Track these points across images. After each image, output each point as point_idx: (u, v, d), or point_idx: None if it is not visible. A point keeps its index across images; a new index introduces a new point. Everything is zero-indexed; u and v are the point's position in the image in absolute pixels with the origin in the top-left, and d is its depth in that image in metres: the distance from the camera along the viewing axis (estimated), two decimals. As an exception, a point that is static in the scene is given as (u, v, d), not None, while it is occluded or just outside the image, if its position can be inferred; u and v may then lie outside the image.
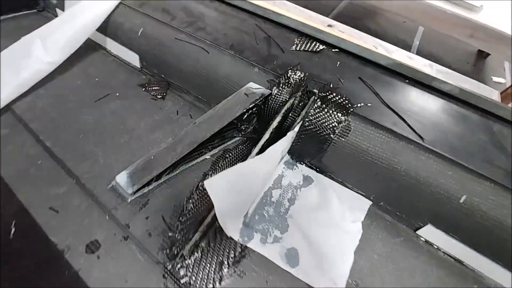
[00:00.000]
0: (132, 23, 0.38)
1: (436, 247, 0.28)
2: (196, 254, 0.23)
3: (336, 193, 0.29)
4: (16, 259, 0.22)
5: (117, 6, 0.38)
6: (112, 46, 0.41)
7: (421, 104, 0.28)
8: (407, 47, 2.25)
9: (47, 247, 0.23)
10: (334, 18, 1.71)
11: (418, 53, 1.97)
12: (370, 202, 0.29)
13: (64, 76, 0.36)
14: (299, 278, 0.23)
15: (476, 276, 0.26)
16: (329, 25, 0.96)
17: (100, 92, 0.35)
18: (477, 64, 2.34)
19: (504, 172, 0.25)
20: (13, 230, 0.23)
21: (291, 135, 0.26)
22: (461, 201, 0.25)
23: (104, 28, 0.39)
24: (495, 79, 2.10)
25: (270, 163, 0.26)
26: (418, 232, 0.28)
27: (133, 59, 0.39)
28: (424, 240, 0.28)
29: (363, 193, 0.30)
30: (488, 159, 0.25)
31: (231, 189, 0.22)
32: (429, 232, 0.28)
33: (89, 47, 0.40)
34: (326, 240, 0.26)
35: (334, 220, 0.27)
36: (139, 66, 0.40)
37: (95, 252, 0.22)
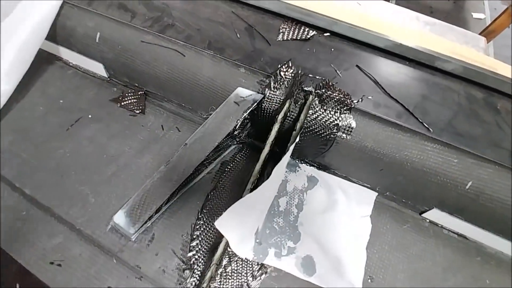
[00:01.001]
0: (86, 26, 0.32)
1: (440, 225, 0.29)
2: (215, 283, 0.23)
3: (342, 190, 0.29)
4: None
5: (61, 7, 0.32)
6: (69, 55, 0.35)
7: (424, 90, 0.26)
8: None
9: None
10: None
11: None
12: (376, 194, 0.29)
13: (22, 104, 0.31)
14: (318, 285, 0.24)
15: (478, 247, 0.28)
16: None
17: (69, 117, 0.30)
18: (457, 1, 2.27)
19: (508, 152, 0.24)
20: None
21: (292, 148, 0.25)
22: (467, 187, 0.25)
23: (54, 35, 0.33)
24: (475, 15, 2.05)
25: (277, 182, 0.24)
26: (424, 215, 0.29)
27: (97, 68, 0.34)
28: (429, 221, 0.29)
29: (369, 186, 0.29)
30: (492, 142, 0.25)
31: (241, 220, 0.21)
32: (434, 215, 0.28)
33: (42, 61, 0.34)
34: (338, 242, 0.26)
35: (343, 220, 0.27)
36: (106, 76, 0.35)
37: (111, 303, 0.22)
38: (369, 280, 0.25)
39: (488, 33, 1.40)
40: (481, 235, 0.28)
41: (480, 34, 1.55)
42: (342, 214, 0.28)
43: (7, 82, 0.30)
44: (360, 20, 0.27)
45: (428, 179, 0.26)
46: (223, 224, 0.19)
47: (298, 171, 0.30)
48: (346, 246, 0.26)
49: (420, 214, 0.29)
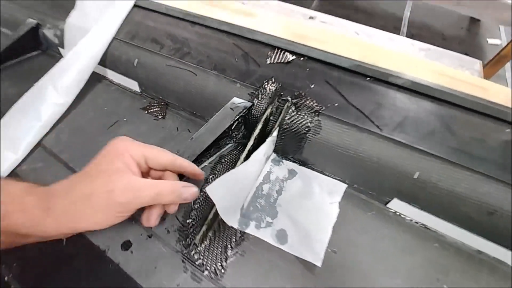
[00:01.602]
0: (127, 54, 0.43)
1: (403, 216, 0.33)
2: (205, 242, 0.29)
3: (317, 181, 0.35)
4: (70, 260, 0.29)
5: (112, 41, 0.44)
6: (113, 76, 0.47)
7: (379, 99, 0.33)
8: (397, 19, 2.23)
9: (92, 249, 0.29)
10: (322, 1, 1.75)
11: (410, 23, 1.96)
12: (346, 185, 0.35)
13: (78, 110, 0.42)
14: (288, 252, 0.29)
15: (437, 235, 0.32)
16: (311, 17, 0.99)
17: (110, 120, 0.41)
18: (471, 28, 2.29)
19: (451, 149, 0.30)
20: (64, 239, 0.30)
21: (270, 140, 0.32)
22: (415, 177, 0.30)
23: (104, 61, 0.45)
24: (490, 41, 2.06)
25: (256, 165, 0.31)
26: (388, 205, 0.34)
27: (133, 85, 0.45)
28: (393, 211, 0.34)
29: (340, 179, 0.35)
30: (437, 140, 0.30)
31: (228, 190, 0.28)
32: (396, 205, 0.33)
33: (94, 80, 0.46)
34: (309, 220, 0.32)
35: (315, 205, 0.33)
36: (139, 91, 0.46)
37: (128, 249, 0.29)
38: (333, 253, 0.30)
39: (501, 58, 1.41)
40: (440, 224, 0.32)
41: (493, 59, 1.55)
42: (315, 200, 0.33)
43: (67, 95, 0.41)
44: (344, 48, 0.35)
45: (383, 171, 0.31)
46: (212, 189, 0.26)
47: (281, 165, 0.37)
48: (314, 224, 0.31)
49: (385, 204, 0.34)
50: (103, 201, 0.23)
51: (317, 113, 0.33)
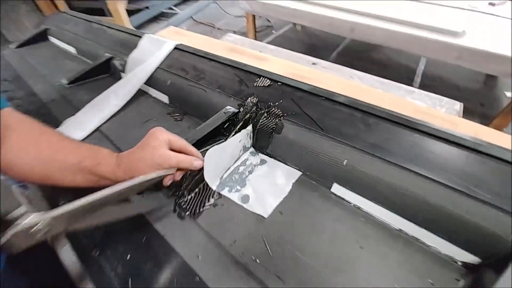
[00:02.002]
0: (164, 77, 0.63)
1: (342, 198, 0.43)
2: (191, 195, 0.43)
3: (279, 168, 0.48)
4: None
5: (156, 69, 0.65)
6: (152, 91, 0.67)
7: (323, 110, 0.46)
8: (411, 71, 2.39)
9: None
10: (340, 52, 2.05)
11: (424, 75, 2.11)
12: (300, 173, 0.47)
13: (125, 111, 0.62)
14: (248, 209, 0.41)
15: (367, 215, 0.41)
16: (314, 63, 1.20)
17: (144, 118, 0.59)
18: (488, 81, 2.35)
19: (369, 145, 0.41)
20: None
21: (245, 131, 0.47)
22: (344, 164, 0.42)
23: (148, 81, 0.66)
24: (508, 94, 2.12)
25: (232, 145, 0.46)
26: (331, 189, 0.44)
27: (164, 98, 0.64)
28: (335, 194, 0.44)
29: (297, 168, 0.47)
30: (361, 138, 0.42)
31: (214, 159, 0.42)
32: (336, 189, 0.44)
33: (139, 93, 0.66)
34: (267, 192, 0.44)
35: (274, 182, 0.45)
36: (167, 102, 0.64)
37: (142, 195, 0.43)
38: (279, 213, 0.41)
39: None
40: (372, 208, 0.41)
41: (505, 109, 1.60)
42: (275, 180, 0.46)
43: (121, 100, 0.61)
44: (321, 81, 0.51)
45: (323, 159, 0.43)
46: (207, 155, 0.40)
47: (255, 156, 0.50)
48: (271, 194, 0.43)
49: (329, 189, 0.45)
50: (149, 161, 0.38)
51: (280, 118, 0.47)
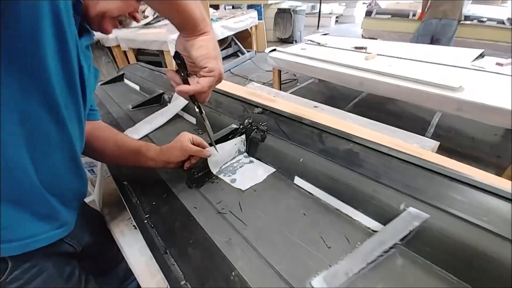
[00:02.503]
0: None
1: (300, 187, 0.62)
2: (199, 175, 0.65)
3: (261, 166, 0.68)
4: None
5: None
6: (186, 116, 0.95)
7: (294, 128, 0.68)
8: (426, 122, 2.53)
9: (168, 190, 0.68)
10: (357, 103, 2.39)
11: (438, 126, 2.25)
12: (274, 169, 0.67)
13: (165, 125, 0.90)
14: (233, 185, 0.62)
15: (316, 198, 0.59)
16: (315, 106, 1.45)
17: (177, 131, 0.85)
18: (506, 135, 2.35)
19: (318, 149, 0.61)
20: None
21: (239, 138, 0.69)
22: (301, 160, 0.61)
23: (184, 109, 0.95)
24: (525, 150, 2.12)
25: (229, 146, 0.68)
26: (294, 181, 0.63)
27: (193, 120, 0.92)
28: (296, 184, 0.63)
29: (273, 166, 0.68)
30: (314, 145, 0.62)
31: (219, 155, 0.65)
32: (297, 180, 0.62)
33: (176, 116, 0.95)
34: (248, 178, 0.64)
35: (255, 174, 0.66)
36: (195, 123, 0.92)
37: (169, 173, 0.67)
38: (253, 190, 0.61)
39: None
40: (318, 192, 0.59)
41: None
42: (256, 173, 0.66)
43: (165, 118, 0.90)
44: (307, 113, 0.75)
45: (286, 158, 0.63)
46: (212, 150, 0.64)
47: (247, 158, 0.72)
48: (251, 179, 0.63)
49: (293, 181, 0.64)
50: (178, 152, 0.63)
51: (265, 132, 0.70)
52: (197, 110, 0.57)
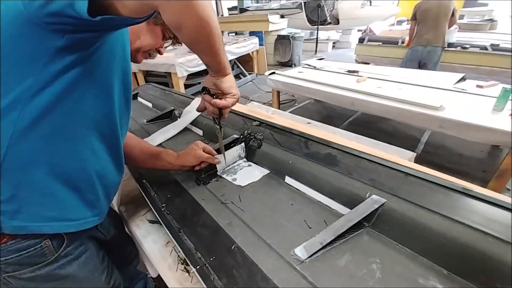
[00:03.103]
0: (201, 120, 1.07)
1: (291, 185, 0.74)
2: (206, 175, 0.78)
3: (257, 168, 0.81)
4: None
5: (197, 116, 1.10)
6: (194, 129, 1.10)
7: (286, 137, 0.82)
8: (415, 140, 2.70)
9: (177, 184, 0.81)
10: (351, 121, 2.61)
11: (427, 143, 2.41)
12: (268, 171, 0.80)
13: (176, 136, 1.04)
14: (235, 183, 0.75)
15: (305, 195, 0.71)
16: (308, 123, 1.63)
17: (186, 141, 1.00)
18: (492, 151, 2.50)
19: (304, 154, 0.74)
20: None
21: (239, 146, 0.83)
22: (290, 162, 0.74)
23: (192, 122, 1.10)
24: (510, 162, 2.22)
25: (233, 152, 0.82)
26: (285, 180, 0.76)
27: (200, 132, 1.06)
28: (286, 183, 0.75)
29: (267, 168, 0.81)
30: (301, 151, 0.76)
31: (221, 160, 0.79)
32: (288, 179, 0.75)
33: (185, 129, 1.10)
34: (246, 178, 0.77)
35: (252, 174, 0.79)
36: (202, 135, 1.06)
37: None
38: (250, 187, 0.73)
39: (502, 172, 1.62)
40: (307, 190, 0.72)
41: (495, 173, 1.75)
42: (253, 174, 0.79)
43: (176, 130, 1.05)
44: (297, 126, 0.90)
45: (277, 161, 0.76)
46: (219, 157, 0.78)
47: (246, 162, 0.85)
48: (249, 179, 0.76)
49: (284, 180, 0.76)
50: (192, 158, 0.77)
51: (261, 141, 0.84)
52: (217, 126, 0.72)
